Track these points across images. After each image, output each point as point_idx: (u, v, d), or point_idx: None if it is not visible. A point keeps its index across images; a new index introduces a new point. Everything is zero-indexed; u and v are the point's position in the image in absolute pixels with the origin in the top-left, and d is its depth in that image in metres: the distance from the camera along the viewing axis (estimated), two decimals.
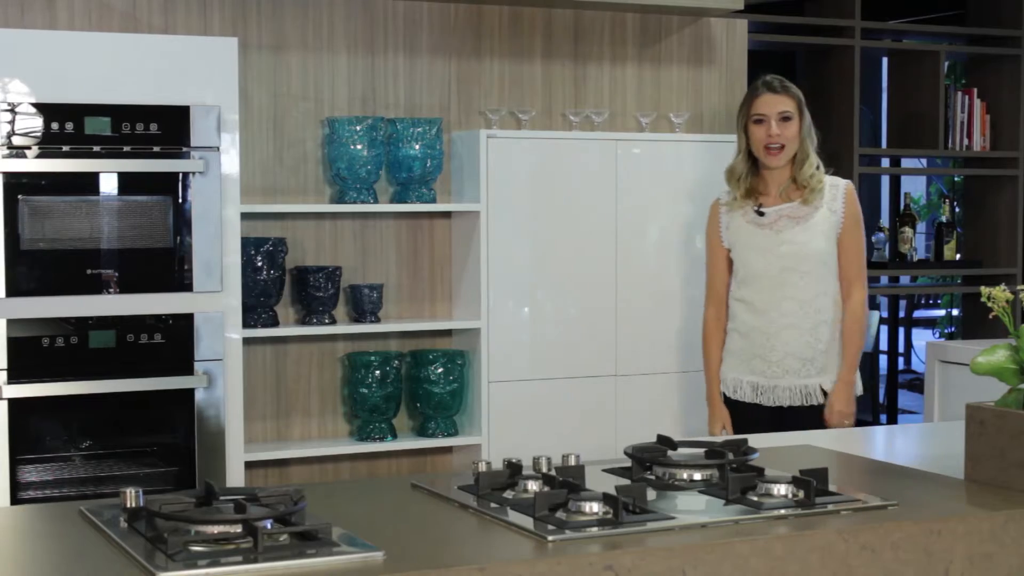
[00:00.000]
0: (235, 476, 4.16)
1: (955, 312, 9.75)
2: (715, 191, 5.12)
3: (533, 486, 2.23)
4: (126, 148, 4.00)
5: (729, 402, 4.07)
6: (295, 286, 4.66)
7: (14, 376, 3.92)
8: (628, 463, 2.42)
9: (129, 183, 4.03)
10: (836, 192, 3.99)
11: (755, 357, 4.00)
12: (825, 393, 3.98)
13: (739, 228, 4.02)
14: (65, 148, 3.94)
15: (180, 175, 4.07)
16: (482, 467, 2.31)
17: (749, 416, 4.00)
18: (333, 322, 4.63)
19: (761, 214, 3.98)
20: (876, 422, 7.89)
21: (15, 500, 3.92)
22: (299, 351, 4.75)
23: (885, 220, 8.94)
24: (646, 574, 1.93)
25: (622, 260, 4.96)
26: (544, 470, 2.32)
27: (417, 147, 4.66)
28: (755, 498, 2.19)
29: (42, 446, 4.02)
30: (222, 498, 2.04)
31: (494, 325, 4.75)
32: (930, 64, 6.36)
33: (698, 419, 4.68)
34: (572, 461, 2.39)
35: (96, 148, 3.97)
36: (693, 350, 5.08)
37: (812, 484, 2.19)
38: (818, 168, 4.00)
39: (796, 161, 3.99)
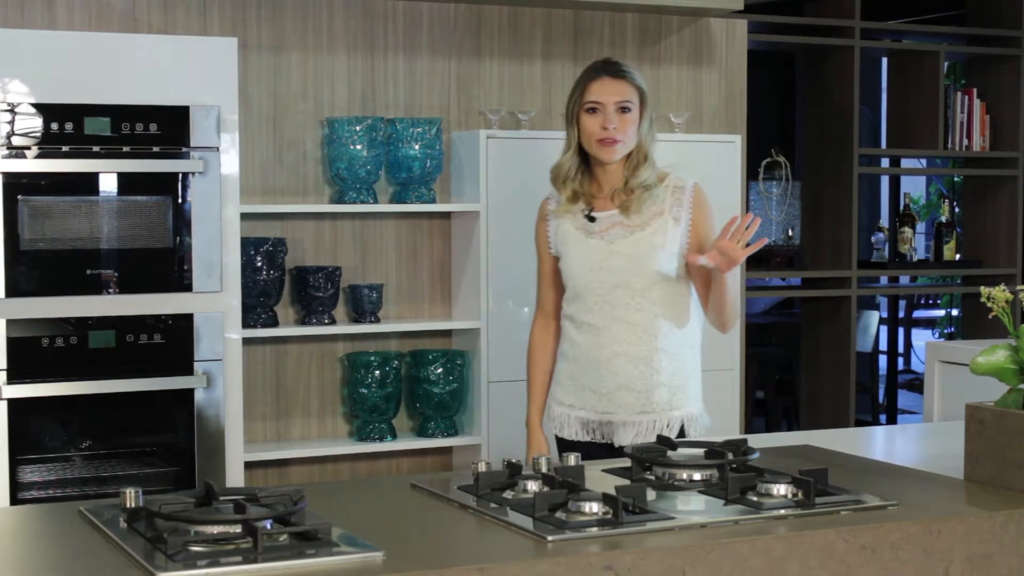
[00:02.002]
0: (235, 476, 4.16)
1: (955, 312, 9.76)
2: (717, 192, 5.12)
3: (533, 486, 2.24)
4: (126, 148, 4.00)
5: (561, 442, 3.38)
6: (295, 286, 4.66)
7: (14, 376, 3.92)
8: (628, 463, 2.43)
9: (129, 183, 4.03)
10: (681, 196, 3.31)
11: (585, 389, 3.32)
12: (670, 434, 3.25)
13: (567, 235, 3.34)
14: (65, 148, 3.94)
15: (180, 175, 4.07)
16: (482, 467, 2.31)
17: (582, 456, 3.19)
18: (333, 322, 4.63)
19: (592, 219, 3.31)
20: (876, 422, 7.90)
21: (15, 500, 3.92)
22: (299, 351, 4.75)
23: (885, 220, 8.96)
24: (646, 574, 1.93)
25: None
26: (544, 470, 2.32)
27: (417, 147, 4.66)
28: (755, 498, 2.20)
29: (42, 446, 4.02)
30: (222, 498, 2.04)
31: (494, 325, 4.75)
32: (930, 64, 6.36)
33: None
34: (572, 461, 2.39)
35: (96, 148, 3.97)
36: None
37: (812, 484, 2.19)
38: (653, 173, 3.33)
39: (630, 162, 3.30)
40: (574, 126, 3.31)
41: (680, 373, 3.31)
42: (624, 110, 3.27)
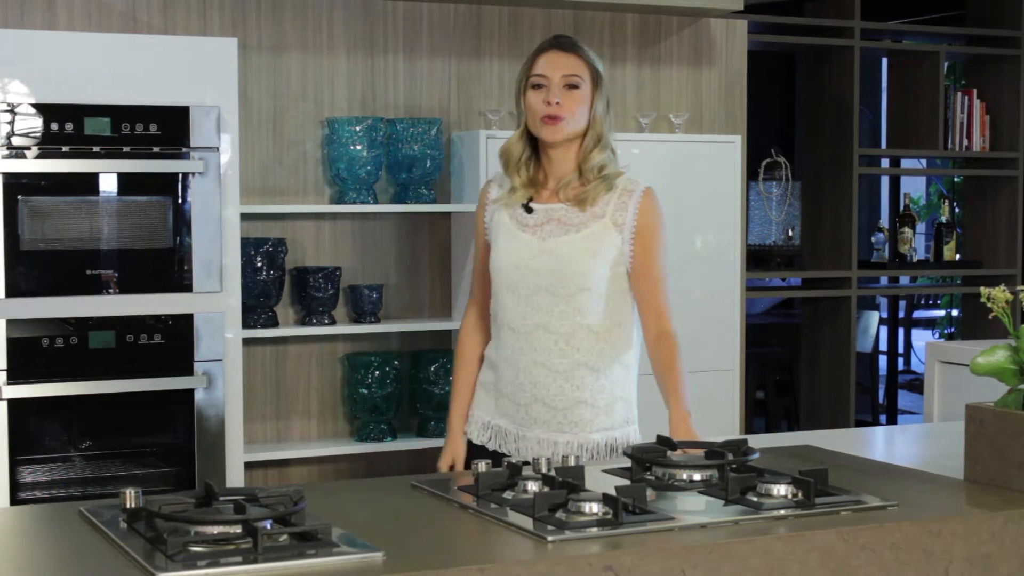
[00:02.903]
0: (235, 476, 4.16)
1: (955, 312, 9.76)
2: (717, 192, 5.13)
3: (533, 486, 2.24)
4: (126, 148, 4.00)
5: (477, 449, 3.10)
6: (295, 286, 4.66)
7: (14, 376, 3.92)
8: (628, 463, 2.42)
9: (129, 183, 4.03)
10: (628, 200, 2.95)
11: (504, 396, 3.03)
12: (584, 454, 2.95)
13: (500, 224, 3.02)
14: (65, 148, 3.94)
15: (180, 175, 4.07)
16: (482, 467, 2.31)
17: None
18: (333, 322, 4.63)
19: (529, 211, 2.99)
20: (876, 422, 7.90)
21: (15, 500, 3.92)
22: (299, 351, 4.75)
23: (885, 220, 8.96)
24: (646, 574, 1.93)
25: None
26: (544, 470, 2.32)
27: (417, 147, 4.66)
28: (755, 498, 2.19)
29: (42, 446, 4.02)
30: (222, 498, 2.04)
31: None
32: (930, 64, 6.36)
33: (699, 420, 4.66)
34: (572, 461, 2.39)
35: (96, 148, 3.97)
36: (692, 350, 5.07)
37: (812, 484, 2.19)
38: (612, 161, 3.00)
39: (583, 147, 2.97)
40: (520, 103, 3.00)
41: (607, 392, 2.99)
42: (572, 87, 2.94)
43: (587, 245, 2.93)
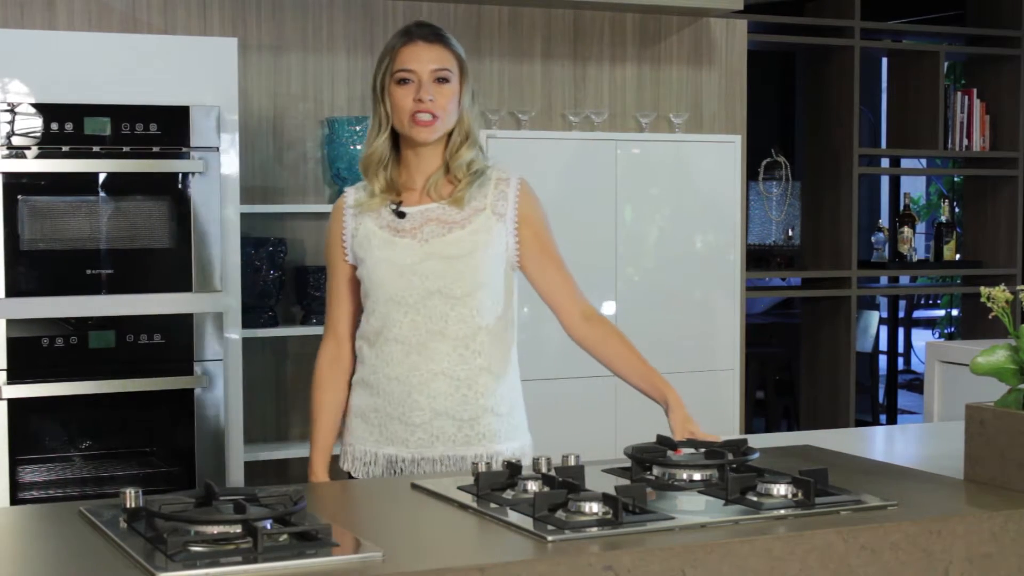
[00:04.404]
0: (235, 476, 4.16)
1: (955, 312, 9.77)
2: (717, 192, 5.13)
3: (533, 486, 2.23)
4: (126, 148, 4.00)
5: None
6: (295, 286, 4.66)
7: (14, 376, 3.92)
8: (628, 463, 2.42)
9: (129, 183, 4.03)
10: (505, 189, 2.81)
11: (393, 419, 2.80)
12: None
13: (369, 235, 2.79)
14: (65, 148, 3.94)
15: (180, 175, 4.07)
16: (482, 467, 2.31)
17: None
18: None
19: (401, 215, 2.79)
20: (876, 422, 7.90)
21: (15, 500, 3.92)
22: (299, 351, 4.75)
23: (885, 220, 8.97)
24: (646, 574, 1.92)
25: (622, 260, 4.96)
26: (544, 470, 2.32)
27: None
28: (755, 498, 2.19)
29: (42, 446, 4.02)
30: (222, 498, 2.04)
31: None
32: (930, 64, 6.36)
33: (699, 420, 4.67)
34: (572, 461, 2.39)
35: (96, 148, 3.97)
36: (692, 350, 5.08)
37: (812, 484, 2.19)
38: (480, 156, 2.83)
39: (451, 143, 2.80)
40: (383, 101, 2.78)
41: (507, 398, 2.84)
42: (442, 80, 2.76)
43: (476, 239, 2.77)
